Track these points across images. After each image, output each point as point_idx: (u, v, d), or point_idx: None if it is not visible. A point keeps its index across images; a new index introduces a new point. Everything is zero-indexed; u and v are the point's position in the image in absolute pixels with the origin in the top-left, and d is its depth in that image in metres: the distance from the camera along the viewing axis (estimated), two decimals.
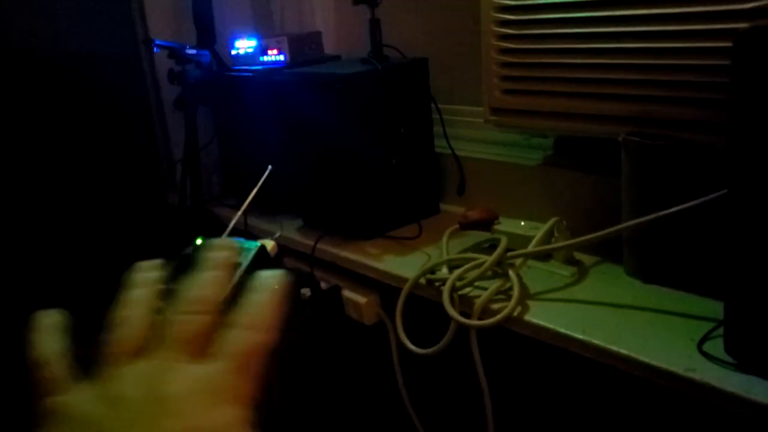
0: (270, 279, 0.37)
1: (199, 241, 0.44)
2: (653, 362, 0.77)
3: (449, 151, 1.36)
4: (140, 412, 0.31)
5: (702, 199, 0.79)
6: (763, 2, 0.77)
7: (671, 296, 0.92)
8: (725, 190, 0.71)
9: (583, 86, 0.99)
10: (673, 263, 0.94)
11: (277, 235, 1.27)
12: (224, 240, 0.39)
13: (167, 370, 0.33)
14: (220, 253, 0.38)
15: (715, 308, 0.81)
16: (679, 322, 0.86)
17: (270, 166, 0.70)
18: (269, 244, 0.54)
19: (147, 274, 0.39)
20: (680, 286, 0.94)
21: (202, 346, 0.34)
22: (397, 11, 1.45)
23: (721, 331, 0.76)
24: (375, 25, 1.27)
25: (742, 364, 0.74)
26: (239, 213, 0.66)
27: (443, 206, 1.39)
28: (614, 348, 0.82)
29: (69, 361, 0.35)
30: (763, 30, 0.63)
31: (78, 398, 0.33)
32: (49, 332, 0.36)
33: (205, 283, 0.36)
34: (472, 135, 1.39)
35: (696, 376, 0.74)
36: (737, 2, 0.80)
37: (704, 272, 0.91)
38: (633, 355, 0.79)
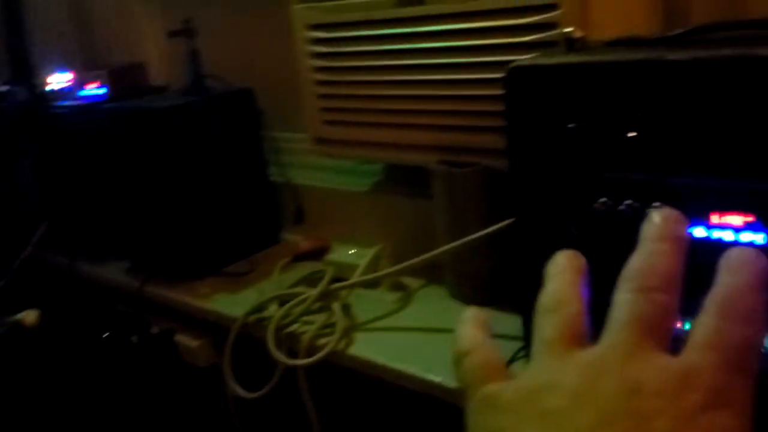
0: (747, 258, 0.29)
1: None
2: None
3: (286, 180, 1.34)
4: (615, 406, 0.26)
5: (500, 225, 0.82)
6: (540, 36, 0.82)
7: (491, 317, 0.95)
8: (514, 218, 0.73)
9: (393, 117, 1.00)
10: (489, 285, 0.97)
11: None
12: (669, 210, 0.32)
13: (631, 358, 0.27)
14: (667, 225, 0.31)
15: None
16: (497, 344, 0.88)
17: (44, 224, 0.66)
18: (31, 315, 0.50)
19: (568, 262, 0.34)
20: (500, 306, 0.96)
21: (667, 333, 0.28)
22: (226, 40, 1.42)
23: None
24: (194, 56, 1.24)
25: None
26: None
27: (284, 236, 1.37)
28: (429, 377, 0.83)
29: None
30: (528, 68, 0.65)
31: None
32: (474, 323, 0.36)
33: (655, 256, 0.30)
34: (307, 162, 1.38)
35: None
36: (520, 36, 0.84)
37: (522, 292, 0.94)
38: (445, 383, 0.81)
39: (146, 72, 1.47)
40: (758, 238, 0.56)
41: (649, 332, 0.28)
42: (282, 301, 1.04)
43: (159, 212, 1.22)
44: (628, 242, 0.32)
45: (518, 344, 0.84)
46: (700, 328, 0.27)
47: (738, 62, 0.56)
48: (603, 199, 0.61)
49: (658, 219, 0.32)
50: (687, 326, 0.29)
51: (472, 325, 0.36)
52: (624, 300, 0.29)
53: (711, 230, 0.58)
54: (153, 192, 1.21)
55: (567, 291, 0.32)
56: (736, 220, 0.57)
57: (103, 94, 1.37)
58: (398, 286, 1.06)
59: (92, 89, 1.38)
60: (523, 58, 0.69)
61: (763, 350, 0.27)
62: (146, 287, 1.22)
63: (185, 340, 1.17)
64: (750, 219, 0.56)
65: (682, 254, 0.30)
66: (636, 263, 0.30)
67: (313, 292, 0.99)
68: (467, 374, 0.33)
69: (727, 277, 0.29)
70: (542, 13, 0.82)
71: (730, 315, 0.27)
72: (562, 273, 0.33)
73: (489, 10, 0.86)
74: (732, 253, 0.30)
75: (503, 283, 0.96)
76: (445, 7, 0.90)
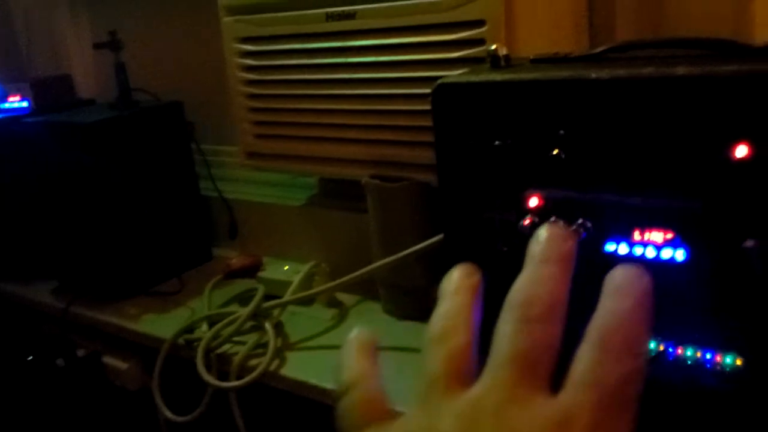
0: (629, 280, 0.27)
1: None
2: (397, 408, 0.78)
3: (218, 194, 1.31)
4: None
5: (430, 241, 0.81)
6: (469, 52, 0.82)
7: (422, 331, 0.94)
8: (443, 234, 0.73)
9: (325, 131, 0.99)
10: (423, 300, 0.96)
11: None
12: (556, 227, 0.30)
13: (509, 403, 0.25)
14: (553, 245, 0.29)
15: None
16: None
17: None
18: None
19: (463, 280, 0.32)
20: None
21: (549, 368, 0.26)
22: (155, 53, 1.39)
23: None
24: (120, 69, 1.20)
25: None
26: None
27: (217, 251, 1.34)
28: None
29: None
30: (453, 85, 0.65)
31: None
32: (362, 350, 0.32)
33: (538, 281, 0.28)
34: (240, 176, 1.36)
35: None
36: (449, 51, 0.84)
37: None
38: None
39: (72, 85, 1.42)
40: (679, 254, 0.57)
41: (528, 370, 0.26)
42: (212, 321, 1.02)
43: (86, 230, 1.17)
44: None
45: None
46: (579, 363, 0.26)
47: (658, 81, 0.57)
48: (528, 217, 0.61)
49: (543, 236, 0.30)
50: None
51: (356, 352, 0.33)
52: (505, 332, 0.28)
53: (633, 247, 0.58)
54: (79, 209, 1.17)
55: (457, 317, 0.31)
56: (658, 236, 0.58)
57: (26, 107, 1.32)
58: (333, 303, 1.05)
59: (14, 102, 1.32)
60: (450, 75, 0.69)
61: (643, 380, 0.26)
62: (72, 308, 1.17)
63: (113, 363, 1.13)
64: (670, 236, 0.57)
65: (568, 276, 0.29)
66: (519, 289, 0.29)
67: (245, 311, 0.96)
68: (347, 415, 0.30)
69: (609, 302, 0.27)
70: (471, 29, 0.82)
71: (610, 347, 0.26)
72: (455, 294, 0.32)
73: (419, 26, 0.86)
74: (614, 274, 0.28)
75: (437, 299, 0.95)
76: (374, 21, 0.89)
